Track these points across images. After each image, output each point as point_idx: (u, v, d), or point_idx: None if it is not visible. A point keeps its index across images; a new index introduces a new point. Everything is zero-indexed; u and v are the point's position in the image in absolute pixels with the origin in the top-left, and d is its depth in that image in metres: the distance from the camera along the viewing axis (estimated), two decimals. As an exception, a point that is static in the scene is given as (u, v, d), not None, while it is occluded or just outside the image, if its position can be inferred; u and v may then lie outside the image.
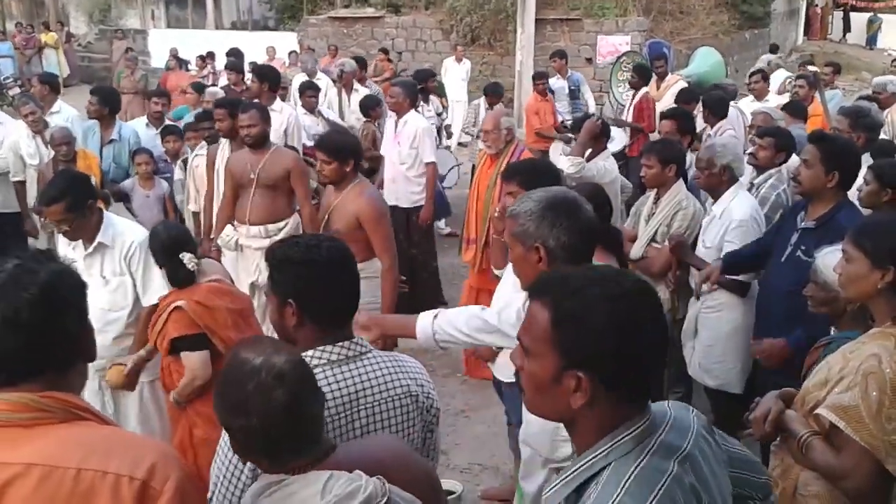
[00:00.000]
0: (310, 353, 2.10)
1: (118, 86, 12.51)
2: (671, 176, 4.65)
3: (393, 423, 2.15)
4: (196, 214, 6.49)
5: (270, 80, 6.63)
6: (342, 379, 2.10)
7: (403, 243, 6.25)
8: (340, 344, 2.14)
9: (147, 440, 1.68)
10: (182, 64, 14.27)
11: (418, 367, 2.31)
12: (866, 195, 3.94)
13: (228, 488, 1.93)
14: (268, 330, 5.18)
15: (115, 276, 3.98)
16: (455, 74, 13.95)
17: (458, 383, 5.62)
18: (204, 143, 6.41)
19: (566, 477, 1.54)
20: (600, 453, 1.51)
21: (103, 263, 3.98)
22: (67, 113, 7.32)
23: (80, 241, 3.99)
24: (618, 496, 1.43)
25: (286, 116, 6.85)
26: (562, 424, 1.60)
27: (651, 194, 4.88)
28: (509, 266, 3.89)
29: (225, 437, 1.92)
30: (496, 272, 4.42)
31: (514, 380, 3.93)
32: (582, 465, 1.52)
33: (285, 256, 2.17)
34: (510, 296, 3.69)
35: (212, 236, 5.71)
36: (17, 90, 16.04)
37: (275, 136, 6.64)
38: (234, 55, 11.60)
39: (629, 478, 1.45)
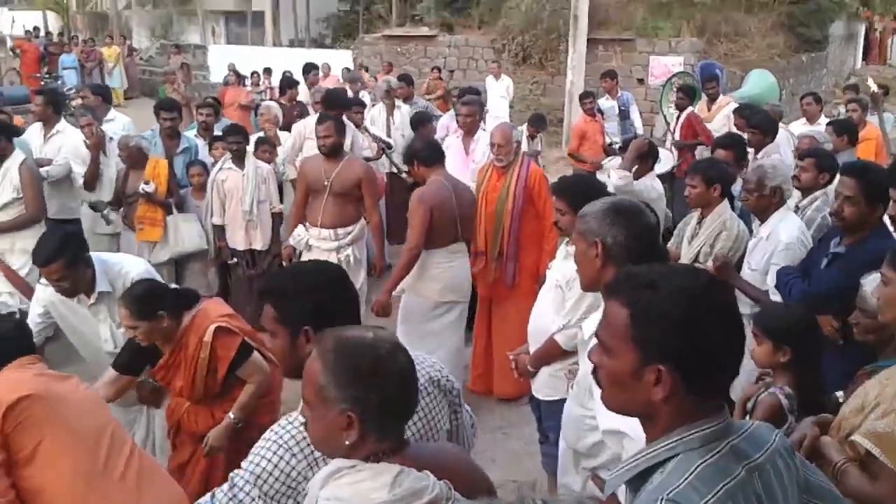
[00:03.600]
0: None
1: None
2: (716, 196, 4.61)
3: (426, 413, 2.18)
4: (217, 227, 6.60)
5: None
6: None
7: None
8: None
9: None
10: (241, 79, 14.51)
11: (426, 355, 2.34)
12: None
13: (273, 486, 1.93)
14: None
15: None
16: (494, 92, 13.97)
17: (495, 401, 5.61)
18: (229, 155, 6.52)
19: (631, 462, 1.58)
20: (668, 444, 1.54)
21: (110, 308, 3.91)
22: (122, 121, 7.58)
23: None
24: (679, 486, 1.47)
25: (351, 133, 7.01)
26: (588, 413, 1.61)
27: (695, 214, 4.84)
28: (545, 287, 3.93)
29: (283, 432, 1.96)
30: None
31: (553, 398, 3.96)
32: (647, 454, 1.56)
33: (298, 283, 2.20)
34: (550, 318, 3.73)
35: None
36: (79, 101, 16.58)
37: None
38: (312, 69, 11.87)
39: (693, 471, 1.49)
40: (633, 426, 1.89)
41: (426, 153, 5.29)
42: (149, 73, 22.66)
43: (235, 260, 6.67)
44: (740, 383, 4.36)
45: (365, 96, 9.90)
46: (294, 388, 6.17)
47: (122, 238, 6.58)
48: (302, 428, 1.90)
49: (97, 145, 6.56)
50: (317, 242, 5.81)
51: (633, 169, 5.80)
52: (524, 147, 9.06)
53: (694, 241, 4.70)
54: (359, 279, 5.89)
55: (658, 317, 1.52)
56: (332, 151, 5.66)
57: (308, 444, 1.91)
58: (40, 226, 5.73)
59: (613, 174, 5.71)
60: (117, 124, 7.41)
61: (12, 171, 5.58)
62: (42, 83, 18.82)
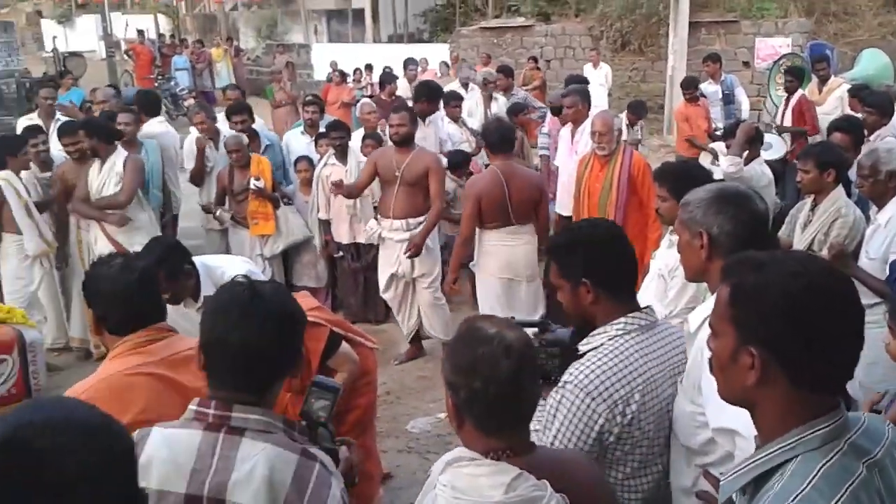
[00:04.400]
0: (622, 320, 2.29)
1: (272, 100, 13.27)
2: (830, 182, 4.45)
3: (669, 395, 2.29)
4: (323, 222, 6.81)
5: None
6: (653, 342, 2.31)
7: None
8: (646, 310, 2.35)
9: None
10: (344, 77, 14.75)
11: None
12: None
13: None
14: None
15: None
16: (593, 80, 13.72)
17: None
18: (332, 151, 6.71)
19: (747, 465, 1.52)
20: (786, 446, 1.47)
21: None
22: (257, 122, 7.76)
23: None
24: (803, 490, 1.40)
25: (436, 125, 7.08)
26: (698, 410, 1.59)
27: (808, 201, 4.69)
28: (648, 276, 3.88)
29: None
30: None
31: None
32: (765, 456, 1.49)
33: (572, 240, 2.38)
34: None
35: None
36: (191, 101, 17.29)
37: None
38: (411, 64, 12.09)
39: (817, 474, 1.41)
40: (745, 424, 1.84)
41: (492, 140, 5.47)
42: (256, 73, 23.34)
43: (341, 253, 6.86)
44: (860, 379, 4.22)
45: (474, 89, 9.92)
46: (399, 377, 6.29)
47: (231, 233, 6.84)
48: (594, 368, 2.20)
49: (205, 140, 6.85)
50: (389, 234, 5.93)
51: (744, 155, 5.66)
52: (624, 135, 8.93)
53: (807, 229, 4.55)
54: (434, 269, 6.02)
55: (757, 296, 1.47)
56: (404, 141, 5.78)
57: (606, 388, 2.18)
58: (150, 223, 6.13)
59: (723, 161, 5.57)
60: (255, 124, 7.58)
61: (118, 164, 5.96)
62: (155, 84, 19.70)
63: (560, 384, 2.25)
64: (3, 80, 13.45)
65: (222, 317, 1.85)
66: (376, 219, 6.06)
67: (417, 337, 6.31)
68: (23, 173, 5.91)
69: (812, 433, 1.46)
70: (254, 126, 7.23)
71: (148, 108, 7.38)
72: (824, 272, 1.49)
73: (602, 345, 2.28)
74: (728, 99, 10.36)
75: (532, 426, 2.33)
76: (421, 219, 5.89)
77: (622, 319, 2.29)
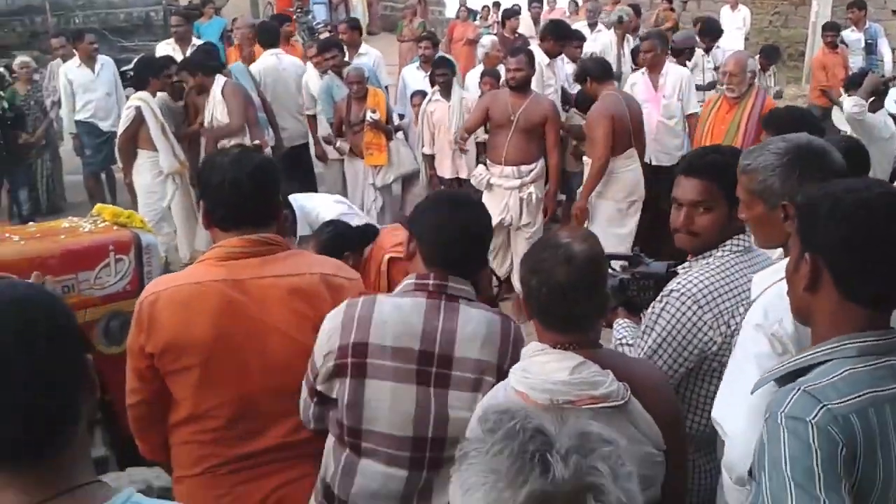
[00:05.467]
0: (729, 242, 2.41)
1: (400, 35, 13.45)
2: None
3: None
4: (427, 157, 6.98)
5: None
6: (753, 264, 2.39)
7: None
8: (745, 234, 2.45)
9: (328, 260, 2.50)
10: (471, 14, 14.74)
11: None
12: None
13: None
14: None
15: None
16: (730, 23, 13.01)
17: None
18: (437, 88, 6.83)
19: (786, 365, 1.60)
20: (822, 350, 1.53)
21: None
22: (373, 55, 8.06)
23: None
24: (821, 383, 1.48)
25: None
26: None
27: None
28: None
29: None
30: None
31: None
32: (802, 357, 1.57)
33: (725, 161, 2.42)
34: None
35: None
36: (326, 35, 17.68)
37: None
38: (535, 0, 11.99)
39: (840, 374, 1.48)
40: (726, 417, 1.95)
41: (598, 71, 5.69)
42: (390, 9, 23.53)
43: (443, 188, 7.03)
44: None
45: (602, 30, 9.76)
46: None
47: (346, 163, 7.11)
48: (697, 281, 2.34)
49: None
50: (498, 180, 5.79)
51: (869, 101, 5.44)
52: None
53: (918, 185, 4.39)
54: (538, 219, 5.94)
55: (814, 207, 1.56)
56: (521, 86, 5.64)
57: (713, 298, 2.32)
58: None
59: (847, 102, 5.39)
60: (370, 58, 7.89)
61: (217, 94, 6.26)
62: (295, 18, 20.19)
63: (665, 292, 2.35)
64: (151, 7, 14.21)
65: (435, 208, 2.25)
66: (484, 163, 5.99)
67: (508, 279, 6.36)
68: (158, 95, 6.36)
69: (851, 343, 1.51)
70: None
71: (264, 39, 7.47)
72: (886, 193, 1.54)
73: (707, 262, 2.39)
74: (870, 49, 9.81)
75: (624, 341, 2.51)
76: (533, 165, 5.76)
77: (729, 242, 2.39)
